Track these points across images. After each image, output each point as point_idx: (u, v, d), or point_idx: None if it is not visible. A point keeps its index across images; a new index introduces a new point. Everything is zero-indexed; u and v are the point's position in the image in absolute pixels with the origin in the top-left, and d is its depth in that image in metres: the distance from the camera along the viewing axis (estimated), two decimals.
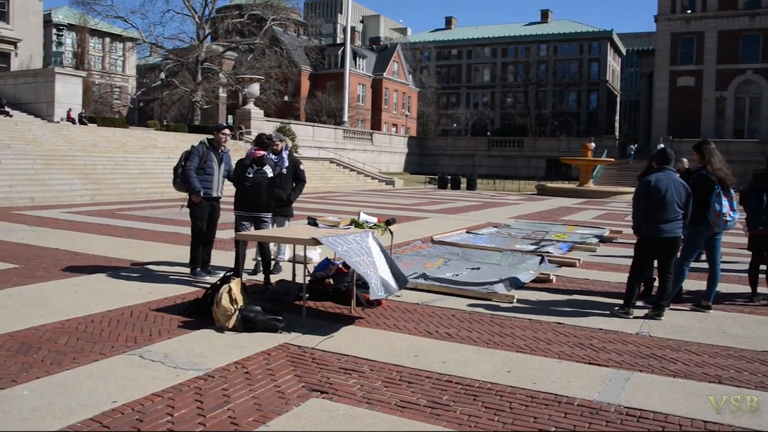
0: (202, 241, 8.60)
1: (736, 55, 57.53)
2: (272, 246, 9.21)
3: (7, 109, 32.37)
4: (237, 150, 34.35)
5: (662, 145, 8.77)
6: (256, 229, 8.24)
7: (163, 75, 56.48)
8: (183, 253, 9.78)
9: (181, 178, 8.45)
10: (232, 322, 5.98)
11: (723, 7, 57.71)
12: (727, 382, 5.05)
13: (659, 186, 6.96)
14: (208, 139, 8.73)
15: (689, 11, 59.22)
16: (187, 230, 9.13)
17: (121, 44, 79.14)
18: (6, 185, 19.24)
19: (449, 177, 41.13)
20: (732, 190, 7.66)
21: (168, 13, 58.24)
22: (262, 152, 8.26)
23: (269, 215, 8.42)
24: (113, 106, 72.00)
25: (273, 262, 8.84)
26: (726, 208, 7.33)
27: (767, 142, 48.96)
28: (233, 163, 8.66)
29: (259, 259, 8.59)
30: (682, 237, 7.25)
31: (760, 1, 56.80)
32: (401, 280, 6.95)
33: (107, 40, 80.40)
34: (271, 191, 8.34)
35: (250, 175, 8.12)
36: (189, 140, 35.22)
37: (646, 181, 7.10)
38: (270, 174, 8.21)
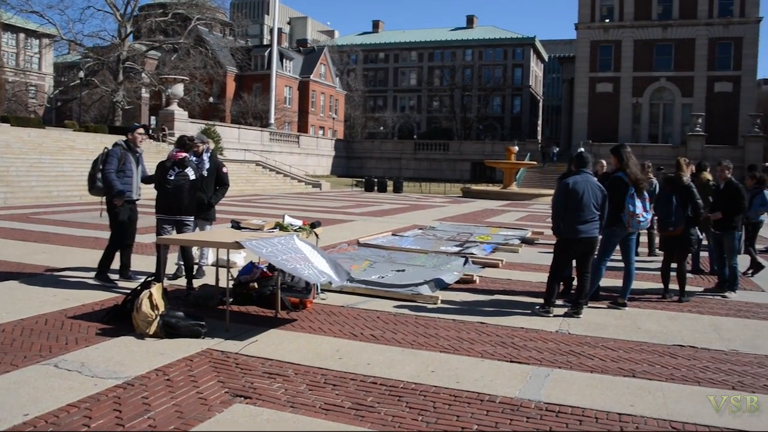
0: (121, 245, 8.39)
1: (651, 63, 60.00)
2: (195, 250, 9.04)
3: None
4: (160, 152, 33.61)
5: (582, 149, 9.08)
6: (178, 232, 8.07)
7: (82, 74, 54.45)
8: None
9: (103, 181, 8.22)
10: (152, 329, 5.85)
11: (638, 18, 60.07)
12: (641, 375, 5.26)
13: (577, 188, 7.18)
14: (123, 140, 8.52)
15: (607, 20, 61.35)
16: (107, 234, 8.86)
17: (37, 41, 75.95)
18: None
19: (376, 180, 41.30)
20: (645, 192, 7.97)
21: (88, 9, 56.14)
22: (184, 154, 8.10)
23: (191, 218, 8.25)
24: (28, 106, 69.19)
25: (196, 267, 8.69)
26: (639, 209, 7.63)
27: (679, 147, 51.18)
28: (147, 165, 8.61)
29: (181, 263, 8.42)
30: (599, 237, 7.52)
31: (671, 13, 59.45)
32: (342, 273, 6.96)
33: (22, 35, 77.16)
34: (193, 194, 8.18)
35: (172, 178, 7.93)
36: (109, 141, 33.99)
37: (564, 183, 7.33)
38: (192, 176, 8.06)
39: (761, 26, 57.43)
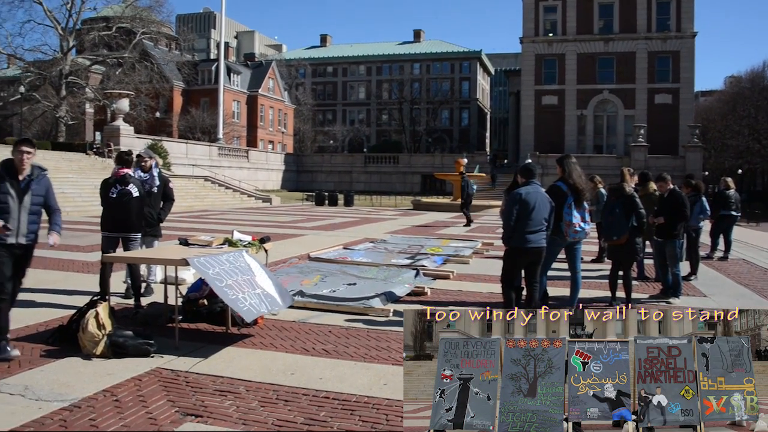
0: None
1: (594, 76, 61.61)
2: (143, 267, 8.91)
3: None
4: (105, 168, 32.98)
5: (529, 161, 9.26)
6: (124, 249, 7.95)
7: (22, 89, 53.16)
8: (48, 278, 9.27)
9: None
10: (100, 349, 5.74)
11: (581, 32, 61.66)
12: None
13: (528, 199, 7.30)
14: (5, 160, 6.03)
15: (551, 34, 62.80)
16: (53, 254, 8.62)
17: None
18: None
19: (327, 194, 41.23)
20: (585, 203, 8.15)
21: (28, 23, 54.87)
22: (126, 170, 8.02)
23: (138, 235, 8.13)
24: None
25: (144, 284, 8.56)
26: (577, 219, 7.80)
27: (623, 157, 52.52)
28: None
29: (147, 281, 8.33)
30: (545, 247, 7.66)
31: (612, 27, 61.22)
32: (286, 298, 6.93)
33: None
34: (139, 210, 8.08)
35: (113, 195, 7.87)
36: (53, 158, 33.46)
37: (516, 193, 7.41)
38: (135, 193, 7.97)
39: (696, 40, 59.65)
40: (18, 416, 4.34)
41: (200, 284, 7.69)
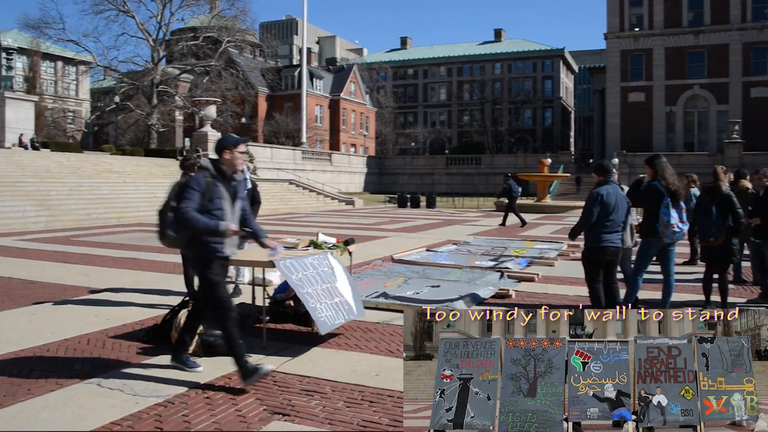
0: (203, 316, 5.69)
1: (683, 70, 59.39)
2: (231, 269, 9.14)
3: None
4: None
5: (615, 160, 8.99)
6: None
7: (117, 98, 55.85)
8: (142, 279, 9.63)
9: (177, 222, 5.40)
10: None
11: (668, 25, 59.59)
12: None
13: (609, 200, 7.11)
14: (212, 161, 5.35)
15: (637, 29, 60.95)
16: (146, 255, 8.95)
17: (74, 68, 77.85)
18: None
19: (409, 196, 41.29)
20: (682, 203, 7.86)
21: (122, 36, 57.97)
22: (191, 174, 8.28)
23: None
24: (67, 131, 70.85)
25: (233, 285, 8.80)
26: (675, 219, 7.52)
27: (716, 154, 50.38)
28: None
29: (236, 282, 8.64)
30: (622, 247, 7.45)
31: (703, 19, 58.84)
32: (360, 307, 6.98)
33: (59, 63, 79.32)
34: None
35: None
36: (146, 164, 34.83)
37: (598, 193, 7.20)
38: None
39: None
40: (118, 410, 4.54)
41: (286, 286, 7.81)
